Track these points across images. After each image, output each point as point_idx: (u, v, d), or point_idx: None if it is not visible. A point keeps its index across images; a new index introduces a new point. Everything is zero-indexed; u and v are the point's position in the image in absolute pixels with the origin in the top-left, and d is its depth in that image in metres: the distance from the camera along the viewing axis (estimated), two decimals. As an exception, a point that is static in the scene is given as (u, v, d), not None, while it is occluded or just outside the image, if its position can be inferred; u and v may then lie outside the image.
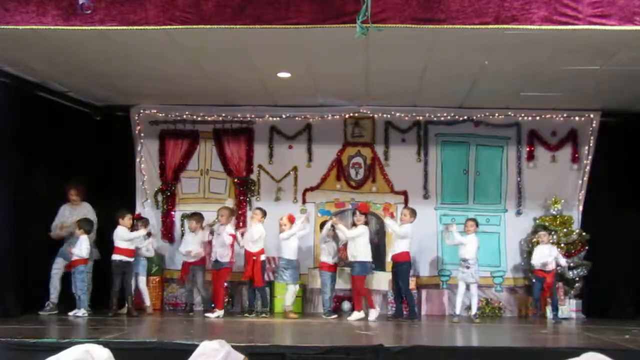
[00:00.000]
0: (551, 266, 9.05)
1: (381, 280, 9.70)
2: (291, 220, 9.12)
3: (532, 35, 6.34)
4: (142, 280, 9.09)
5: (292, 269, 8.97)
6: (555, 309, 9.07)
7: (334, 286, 9.20)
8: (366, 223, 9.05)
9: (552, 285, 9.09)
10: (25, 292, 8.48)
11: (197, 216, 9.36)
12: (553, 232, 9.50)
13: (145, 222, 9.36)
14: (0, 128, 8.08)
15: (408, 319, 8.76)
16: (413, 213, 9.05)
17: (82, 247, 8.60)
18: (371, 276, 9.37)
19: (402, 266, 8.89)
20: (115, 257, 8.78)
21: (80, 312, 8.41)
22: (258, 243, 8.94)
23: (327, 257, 9.09)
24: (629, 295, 9.58)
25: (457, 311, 8.92)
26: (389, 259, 9.25)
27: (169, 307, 9.59)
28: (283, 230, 9.00)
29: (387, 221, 9.27)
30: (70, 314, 8.37)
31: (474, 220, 9.14)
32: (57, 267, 8.77)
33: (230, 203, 9.63)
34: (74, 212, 8.97)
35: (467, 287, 8.92)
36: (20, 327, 7.03)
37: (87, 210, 9.05)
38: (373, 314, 8.70)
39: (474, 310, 8.91)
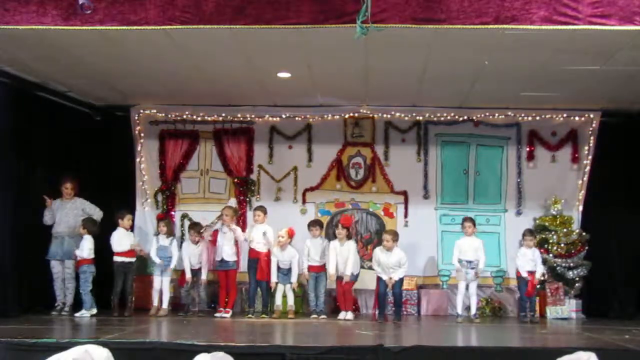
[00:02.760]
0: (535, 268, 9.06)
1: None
2: (290, 234, 9.10)
3: (532, 35, 6.35)
4: (166, 281, 9.05)
5: (284, 275, 9.00)
6: (532, 310, 9.13)
7: (321, 286, 9.05)
8: (349, 237, 8.95)
9: (535, 286, 9.09)
10: (25, 292, 8.50)
11: (198, 227, 9.29)
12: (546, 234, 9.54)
13: (167, 222, 9.32)
14: (0, 128, 8.08)
15: (395, 319, 8.74)
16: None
17: (84, 247, 8.61)
18: (372, 276, 9.40)
19: None
20: (117, 258, 8.81)
21: (87, 313, 8.42)
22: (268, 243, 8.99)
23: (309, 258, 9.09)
24: (629, 295, 9.58)
25: (460, 311, 8.93)
26: None
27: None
28: (280, 243, 8.96)
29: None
30: (77, 315, 8.38)
31: (471, 220, 9.13)
32: (56, 271, 8.75)
33: (233, 203, 9.61)
34: (64, 206, 8.90)
35: (467, 287, 8.93)
36: (20, 327, 7.03)
37: (84, 205, 8.98)
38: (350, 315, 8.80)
39: (473, 310, 8.91)
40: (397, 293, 8.83)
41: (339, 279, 8.90)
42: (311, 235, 9.11)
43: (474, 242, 8.98)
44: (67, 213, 8.87)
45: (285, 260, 9.00)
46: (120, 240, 8.88)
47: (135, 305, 9.14)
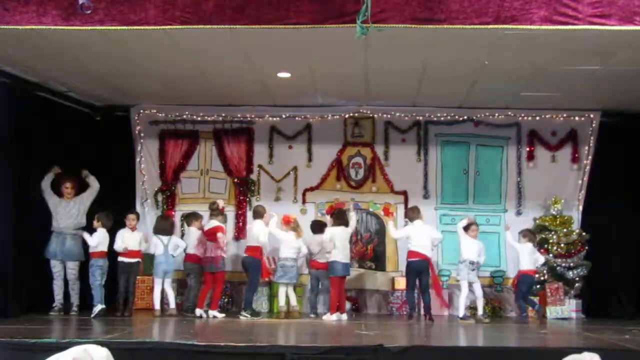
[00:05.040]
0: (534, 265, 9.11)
1: (381, 280, 9.74)
2: (285, 221, 9.09)
3: (532, 35, 6.35)
4: (168, 282, 9.01)
5: (294, 268, 8.98)
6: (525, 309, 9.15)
7: (319, 284, 9.08)
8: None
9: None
10: (26, 292, 8.49)
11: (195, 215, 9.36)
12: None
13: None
14: (0, 128, 8.08)
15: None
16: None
17: (99, 239, 8.58)
18: (372, 276, 9.46)
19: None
20: (122, 258, 8.76)
21: (98, 307, 8.33)
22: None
23: (312, 256, 9.08)
24: (629, 295, 9.58)
25: (462, 312, 8.92)
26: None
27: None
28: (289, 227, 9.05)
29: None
30: (92, 315, 8.30)
31: (476, 224, 9.18)
32: (56, 270, 8.73)
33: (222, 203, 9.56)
34: (67, 204, 8.90)
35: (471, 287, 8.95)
36: (20, 327, 7.02)
37: (83, 198, 8.97)
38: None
39: (480, 311, 8.92)
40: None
41: (337, 275, 8.79)
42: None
43: (478, 244, 9.01)
44: (69, 211, 8.87)
45: (293, 245, 8.94)
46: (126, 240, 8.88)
47: (137, 305, 9.13)
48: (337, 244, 8.69)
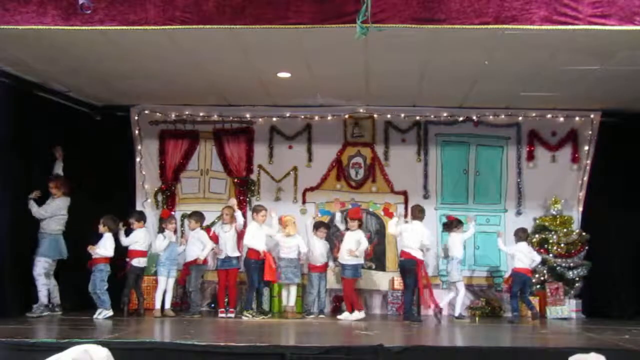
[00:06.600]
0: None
1: (381, 280, 9.74)
2: (291, 222, 9.20)
3: (532, 35, 6.35)
4: (172, 282, 9.06)
5: (294, 268, 8.99)
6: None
7: (322, 286, 9.17)
8: (360, 226, 9.15)
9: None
10: (25, 292, 8.47)
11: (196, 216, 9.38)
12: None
13: (172, 220, 9.34)
14: (0, 128, 8.08)
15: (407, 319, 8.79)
16: None
17: (107, 245, 8.55)
18: (372, 276, 9.47)
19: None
20: (135, 260, 8.78)
21: (104, 313, 8.26)
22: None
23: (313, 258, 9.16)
24: (629, 295, 9.58)
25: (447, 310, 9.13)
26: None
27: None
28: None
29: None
30: (95, 316, 8.25)
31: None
32: (45, 268, 8.64)
33: (232, 203, 9.58)
34: (52, 202, 8.81)
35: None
36: (20, 327, 7.03)
37: (64, 204, 8.86)
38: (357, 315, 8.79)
39: (457, 311, 9.12)
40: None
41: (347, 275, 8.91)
42: (317, 237, 9.16)
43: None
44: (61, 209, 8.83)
45: (292, 245, 9.01)
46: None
47: (135, 305, 9.13)
48: (346, 246, 8.94)
